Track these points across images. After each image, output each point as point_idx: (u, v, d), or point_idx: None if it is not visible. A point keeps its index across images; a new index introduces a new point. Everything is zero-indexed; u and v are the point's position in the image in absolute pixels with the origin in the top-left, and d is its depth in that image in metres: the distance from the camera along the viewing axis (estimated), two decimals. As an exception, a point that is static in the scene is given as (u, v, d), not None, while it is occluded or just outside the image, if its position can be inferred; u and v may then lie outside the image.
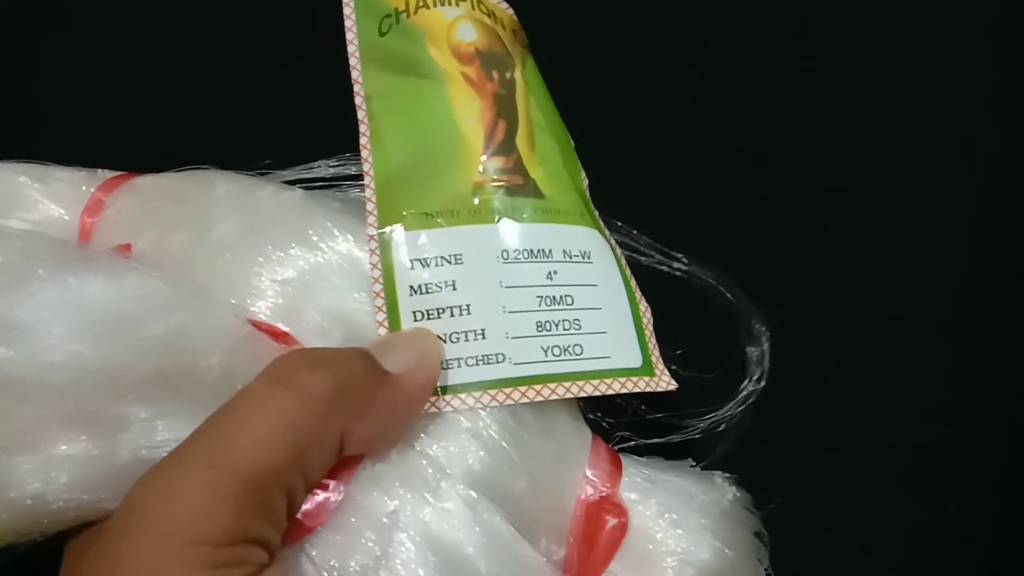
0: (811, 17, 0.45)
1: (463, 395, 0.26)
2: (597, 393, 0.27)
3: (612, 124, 0.41)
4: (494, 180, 0.28)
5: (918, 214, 0.41)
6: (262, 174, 0.31)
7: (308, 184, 0.32)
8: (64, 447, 0.22)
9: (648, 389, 0.28)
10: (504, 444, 0.26)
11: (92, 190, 0.30)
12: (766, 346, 0.34)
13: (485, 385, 0.26)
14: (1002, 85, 0.45)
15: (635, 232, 0.36)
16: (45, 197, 0.30)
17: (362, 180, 0.31)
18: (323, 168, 0.32)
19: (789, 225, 0.40)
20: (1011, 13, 0.46)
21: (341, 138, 0.31)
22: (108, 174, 0.31)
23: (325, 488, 0.23)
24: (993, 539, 0.35)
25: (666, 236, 0.36)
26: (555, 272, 0.28)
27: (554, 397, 0.26)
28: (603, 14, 0.45)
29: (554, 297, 0.27)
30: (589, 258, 0.29)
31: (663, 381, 0.28)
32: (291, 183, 0.31)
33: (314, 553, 0.23)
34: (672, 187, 0.41)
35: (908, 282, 0.40)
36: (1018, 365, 0.38)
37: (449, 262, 0.27)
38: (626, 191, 0.33)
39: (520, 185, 0.29)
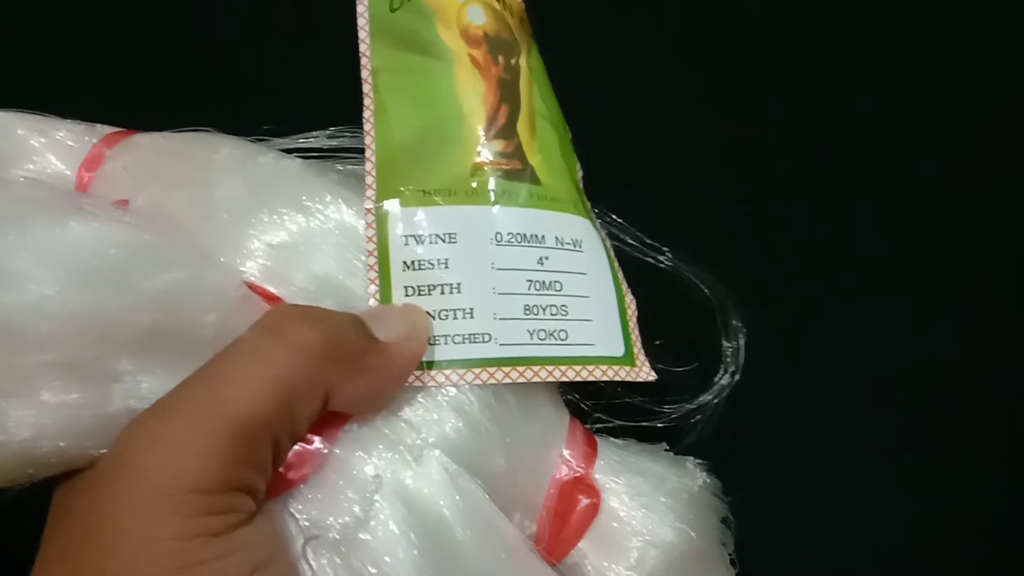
0: (801, 15, 0.46)
1: (448, 371, 0.26)
2: (579, 379, 0.28)
3: (601, 117, 0.42)
4: (493, 163, 0.29)
5: (903, 209, 0.42)
6: (260, 140, 0.31)
7: (304, 153, 0.32)
8: (55, 394, 0.22)
9: (628, 379, 0.28)
10: (485, 420, 0.26)
11: (91, 144, 0.30)
12: (742, 342, 0.35)
13: (470, 363, 0.26)
14: (988, 85, 0.46)
15: (621, 223, 0.36)
16: (44, 148, 0.30)
17: (357, 153, 0.31)
18: (320, 139, 0.32)
19: (774, 219, 0.41)
20: (1004, 13, 0.47)
21: (339, 110, 0.32)
22: (107, 129, 0.31)
23: (309, 443, 0.23)
24: (984, 533, 0.37)
25: (651, 229, 0.36)
26: (546, 258, 0.28)
27: (536, 379, 0.27)
28: (597, 10, 0.46)
29: (543, 282, 0.28)
30: (580, 247, 0.29)
31: (643, 372, 0.29)
32: (287, 151, 0.32)
33: (297, 508, 0.23)
34: (658, 181, 0.41)
35: (890, 277, 0.41)
36: (997, 354, 0.40)
37: (443, 240, 0.27)
38: (612, 184, 0.34)
39: (518, 170, 0.29)
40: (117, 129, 0.31)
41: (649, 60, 0.45)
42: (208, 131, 0.30)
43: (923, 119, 0.44)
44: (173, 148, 0.30)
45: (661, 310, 0.31)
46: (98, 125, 0.32)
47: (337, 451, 0.24)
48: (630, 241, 0.35)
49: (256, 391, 0.21)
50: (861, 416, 0.38)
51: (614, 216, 0.35)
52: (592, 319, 0.28)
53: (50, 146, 0.30)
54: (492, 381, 0.26)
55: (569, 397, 0.31)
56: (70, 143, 0.30)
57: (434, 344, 0.27)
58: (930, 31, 0.46)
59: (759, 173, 0.43)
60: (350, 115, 0.31)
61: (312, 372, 0.22)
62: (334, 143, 0.33)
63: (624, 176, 0.41)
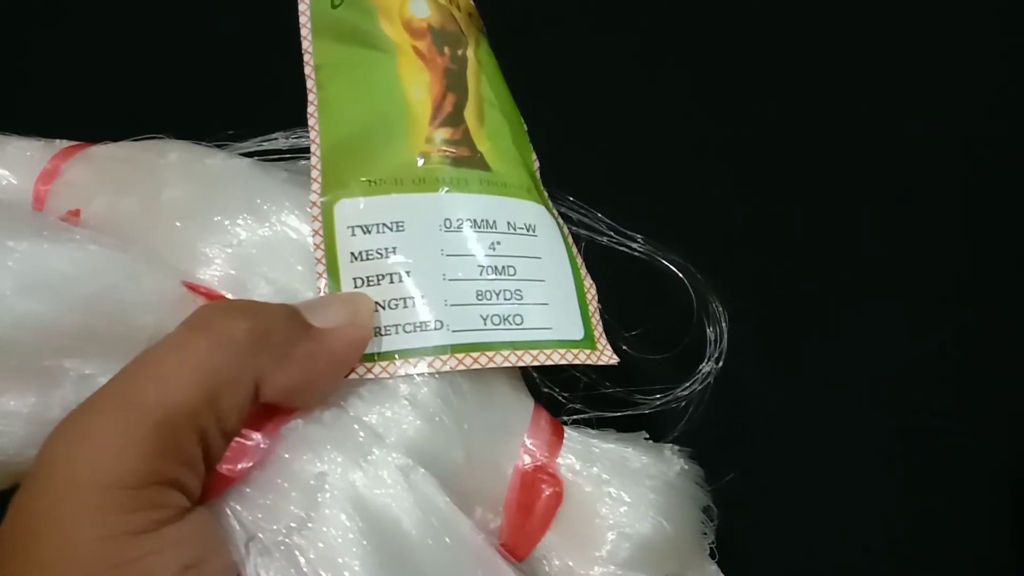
0: (801, 15, 0.46)
1: (399, 362, 0.26)
2: (536, 363, 0.27)
3: (600, 118, 0.42)
4: (440, 150, 0.29)
5: (903, 209, 0.42)
6: (220, 146, 0.31)
7: (266, 155, 0.32)
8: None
9: (588, 362, 0.28)
10: (441, 412, 0.26)
11: (48, 158, 0.31)
12: (725, 327, 0.34)
13: (422, 352, 0.26)
14: (988, 85, 0.45)
15: (599, 215, 0.36)
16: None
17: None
18: (280, 140, 0.32)
19: (774, 219, 0.41)
20: (1004, 13, 0.47)
21: (302, 111, 0.32)
22: (66, 143, 0.32)
23: (247, 439, 0.23)
24: (984, 533, 0.36)
25: (649, 229, 0.35)
26: (498, 243, 0.28)
27: (491, 365, 0.26)
28: (596, 10, 0.46)
29: (496, 267, 0.28)
30: (534, 231, 0.29)
31: (604, 355, 0.28)
32: (250, 155, 0.32)
33: (240, 510, 0.23)
34: (657, 181, 0.41)
35: (890, 277, 0.40)
36: (997, 354, 0.39)
37: (391, 229, 0.27)
38: (610, 183, 0.34)
39: (467, 157, 0.29)
40: (74, 143, 0.32)
41: (649, 60, 0.45)
42: (160, 137, 0.30)
43: (923, 119, 0.44)
44: (124, 156, 0.30)
45: (642, 299, 0.31)
46: (57, 140, 0.32)
47: (286, 455, 0.23)
48: (602, 229, 0.35)
49: (177, 382, 0.20)
50: (860, 416, 0.38)
51: (581, 204, 0.35)
52: (548, 303, 0.28)
53: (5, 162, 0.30)
54: (446, 369, 0.26)
55: (545, 389, 0.30)
56: (26, 158, 0.31)
57: (384, 334, 0.26)
58: (930, 31, 0.47)
59: (759, 173, 0.43)
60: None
61: (235, 361, 0.21)
62: (294, 143, 0.33)
63: (623, 176, 0.41)
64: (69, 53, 0.43)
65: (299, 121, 0.32)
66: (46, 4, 0.44)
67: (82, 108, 0.33)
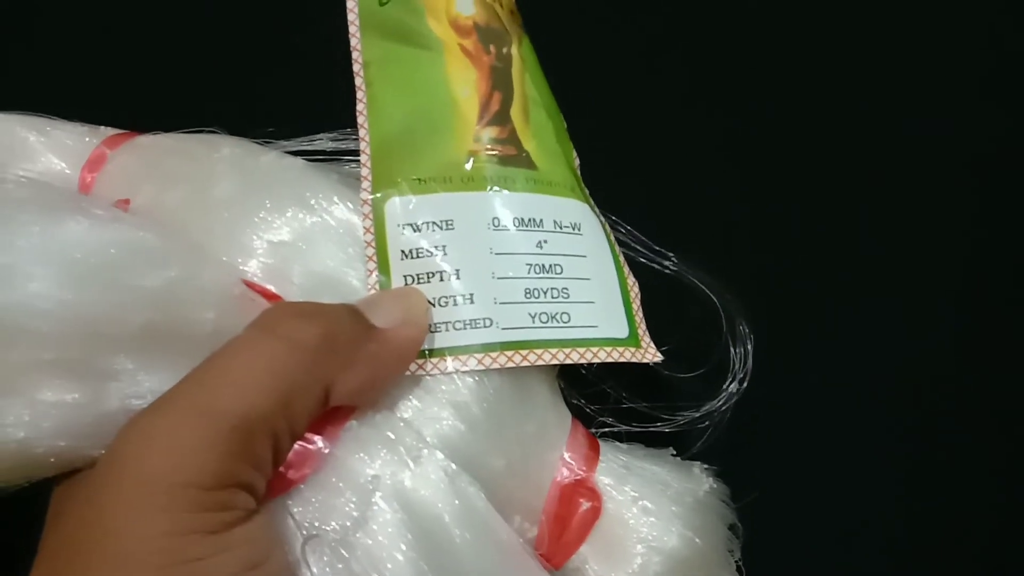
0: (799, 15, 0.46)
1: (450, 358, 0.26)
2: (583, 361, 0.27)
3: (605, 121, 0.42)
4: (488, 149, 0.29)
5: (901, 208, 0.42)
6: (265, 143, 0.31)
7: (308, 156, 0.32)
8: (51, 393, 0.22)
9: (634, 359, 0.28)
10: (484, 419, 0.26)
11: (95, 145, 0.31)
12: (750, 347, 0.34)
13: (472, 349, 0.26)
14: (987, 84, 0.45)
15: (627, 229, 0.36)
16: (47, 150, 0.31)
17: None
18: (324, 141, 0.32)
19: (771, 219, 0.41)
20: (1003, 12, 0.47)
21: (346, 112, 0.31)
22: (111, 131, 0.32)
23: (310, 443, 0.23)
24: (985, 541, 0.36)
25: (649, 229, 0.36)
26: (545, 241, 0.28)
27: (540, 363, 0.27)
28: (597, 9, 0.46)
29: (543, 265, 0.28)
30: (579, 230, 0.29)
31: (648, 353, 0.29)
32: (292, 154, 0.32)
33: (296, 510, 0.23)
34: (663, 185, 0.41)
35: (888, 276, 0.40)
36: (996, 353, 0.39)
37: (441, 228, 0.27)
38: (610, 183, 0.34)
39: (513, 156, 0.29)
40: (121, 131, 0.32)
41: (646, 60, 0.45)
42: (213, 131, 0.30)
43: (921, 118, 0.44)
44: (175, 148, 0.30)
45: (666, 315, 0.31)
46: (102, 127, 0.32)
47: (337, 452, 0.24)
48: (634, 245, 0.35)
49: (254, 388, 0.21)
50: (859, 415, 0.38)
51: (615, 218, 0.35)
52: (594, 301, 0.28)
53: (51, 147, 0.30)
54: (495, 366, 0.26)
55: (574, 401, 0.31)
56: (73, 144, 0.31)
57: (435, 331, 0.26)
58: (929, 30, 0.46)
59: (757, 173, 0.42)
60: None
61: (310, 367, 0.22)
62: (338, 146, 0.33)
63: (622, 175, 0.41)
64: (72, 53, 0.42)
65: (318, 129, 0.33)
66: (52, 3, 0.44)
67: (83, 114, 0.32)
